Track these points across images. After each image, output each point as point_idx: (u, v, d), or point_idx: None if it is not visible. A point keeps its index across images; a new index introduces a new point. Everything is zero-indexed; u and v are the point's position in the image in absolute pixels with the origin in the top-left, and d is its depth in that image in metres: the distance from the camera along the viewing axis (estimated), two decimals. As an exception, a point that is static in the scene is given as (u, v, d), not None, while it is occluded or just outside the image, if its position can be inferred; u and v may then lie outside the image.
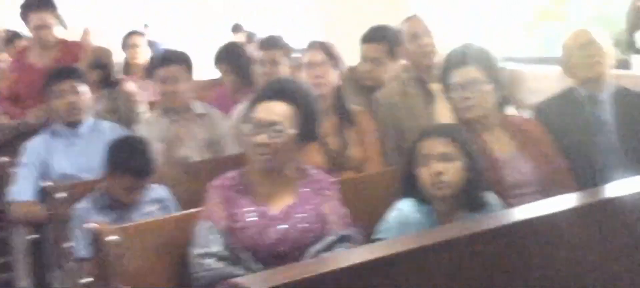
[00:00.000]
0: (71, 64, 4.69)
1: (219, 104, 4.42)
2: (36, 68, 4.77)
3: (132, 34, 6.14)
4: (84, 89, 3.91)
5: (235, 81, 4.72)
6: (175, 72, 3.93)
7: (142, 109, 4.63)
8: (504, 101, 3.23)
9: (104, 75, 4.65)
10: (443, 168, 2.70)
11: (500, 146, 3.10)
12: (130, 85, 4.88)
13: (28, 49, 5.00)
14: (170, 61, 3.99)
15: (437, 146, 2.73)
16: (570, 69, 3.55)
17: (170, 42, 9.68)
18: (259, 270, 2.62)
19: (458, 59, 3.16)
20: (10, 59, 6.21)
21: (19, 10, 4.90)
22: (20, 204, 3.65)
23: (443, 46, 3.88)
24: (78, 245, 3.20)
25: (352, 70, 4.36)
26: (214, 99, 4.59)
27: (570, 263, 2.14)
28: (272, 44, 4.33)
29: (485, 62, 3.13)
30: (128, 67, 5.95)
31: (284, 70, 4.19)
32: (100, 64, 4.48)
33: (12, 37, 7.67)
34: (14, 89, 4.91)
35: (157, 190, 3.38)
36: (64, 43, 5.03)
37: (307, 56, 3.74)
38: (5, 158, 3.99)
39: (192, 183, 3.50)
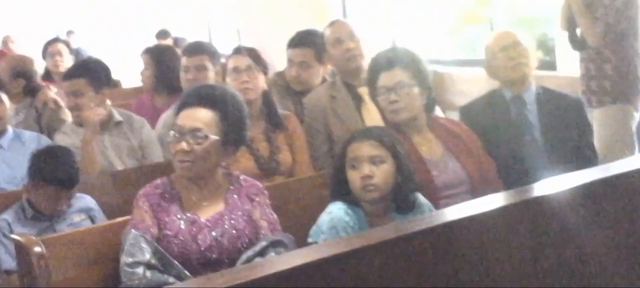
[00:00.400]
0: None
1: (139, 111, 4.36)
2: None
3: (54, 41, 5.99)
4: (4, 98, 3.81)
5: (152, 78, 4.66)
6: (79, 86, 3.85)
7: (67, 116, 4.52)
8: (431, 103, 3.25)
9: (26, 84, 4.55)
10: (371, 171, 2.71)
11: (429, 148, 3.13)
12: (52, 93, 4.76)
13: None
14: (73, 76, 3.91)
15: (365, 149, 2.74)
16: (494, 71, 3.60)
17: (95, 50, 9.54)
18: (189, 278, 2.59)
19: (384, 62, 3.18)
20: None
21: None
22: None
23: (369, 50, 3.90)
24: (3, 257, 3.12)
25: (279, 75, 4.36)
26: (135, 107, 4.51)
27: (501, 261, 2.17)
28: (197, 49, 4.28)
29: (412, 64, 3.15)
30: (49, 76, 5.80)
31: (211, 76, 4.14)
32: (22, 72, 4.36)
33: None
34: None
35: (84, 200, 3.33)
36: None
37: (233, 61, 3.70)
38: None
39: (118, 192, 3.45)
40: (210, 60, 4.17)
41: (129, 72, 4.36)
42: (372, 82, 3.22)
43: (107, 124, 3.86)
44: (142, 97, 4.86)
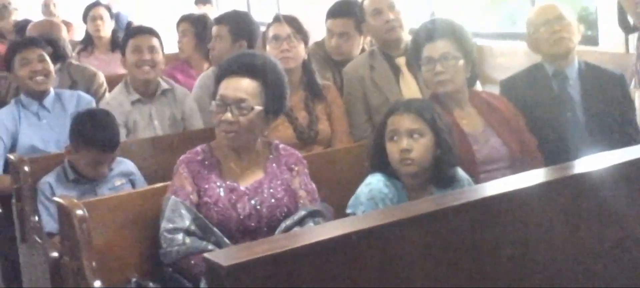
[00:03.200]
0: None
1: (174, 77, 4.39)
2: None
3: (95, 5, 6.02)
4: (48, 58, 3.86)
5: (192, 46, 4.69)
6: (153, 44, 3.90)
7: (102, 84, 4.55)
8: (473, 77, 3.23)
9: (54, 50, 4.56)
10: (410, 145, 2.70)
11: (470, 122, 3.11)
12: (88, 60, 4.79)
13: None
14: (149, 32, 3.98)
15: (405, 122, 2.73)
16: (536, 45, 3.55)
17: (134, 14, 9.57)
18: (228, 246, 2.61)
19: (430, 33, 3.15)
20: None
21: None
22: (-13, 176, 3.61)
23: (407, 21, 3.88)
24: (45, 219, 3.17)
25: (318, 44, 4.35)
26: (169, 73, 4.54)
27: (540, 238, 2.17)
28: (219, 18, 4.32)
29: (458, 36, 3.13)
30: (91, 41, 5.85)
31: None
32: (49, 38, 4.38)
33: None
34: None
35: (124, 164, 3.37)
36: None
37: (273, 30, 3.70)
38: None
39: (158, 158, 3.49)
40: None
41: (166, 37, 4.37)
42: (415, 53, 3.20)
43: (154, 92, 3.89)
44: (179, 63, 4.89)
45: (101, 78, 4.54)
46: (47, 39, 4.30)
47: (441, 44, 3.09)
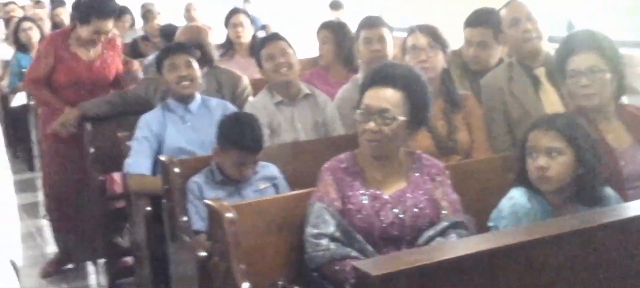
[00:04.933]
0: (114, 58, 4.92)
1: (312, 83, 4.48)
2: (81, 60, 4.82)
3: (236, 12, 6.18)
4: (196, 65, 4.02)
5: (332, 53, 4.78)
6: (283, 47, 4.02)
7: (247, 87, 4.70)
8: (620, 90, 3.14)
9: (201, 55, 4.73)
10: (547, 163, 2.67)
11: (617, 136, 3.04)
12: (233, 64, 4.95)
13: (69, 38, 4.88)
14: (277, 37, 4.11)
15: (543, 140, 2.70)
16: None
17: (268, 18, 9.80)
18: (372, 253, 2.68)
19: (577, 44, 3.08)
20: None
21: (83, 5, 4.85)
22: (136, 177, 3.78)
23: (544, 31, 3.83)
24: (193, 219, 3.32)
25: (456, 54, 4.35)
26: (307, 78, 4.64)
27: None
28: (377, 22, 4.36)
29: (605, 48, 3.05)
30: (231, 45, 6.03)
31: (390, 47, 4.20)
32: (196, 43, 4.54)
33: None
34: (45, 73, 4.86)
35: (268, 168, 3.47)
36: (108, 38, 4.98)
37: (412, 39, 3.74)
38: (123, 132, 4.16)
39: (300, 163, 3.58)
40: (389, 33, 4.25)
41: (300, 43, 4.45)
42: (560, 64, 3.15)
43: (297, 96, 4.01)
44: (317, 70, 4.99)
45: (245, 81, 4.68)
46: (195, 44, 4.49)
47: (587, 57, 3.03)
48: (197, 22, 8.00)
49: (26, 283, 2.30)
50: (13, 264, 2.24)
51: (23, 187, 6.45)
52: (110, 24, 4.81)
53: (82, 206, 4.88)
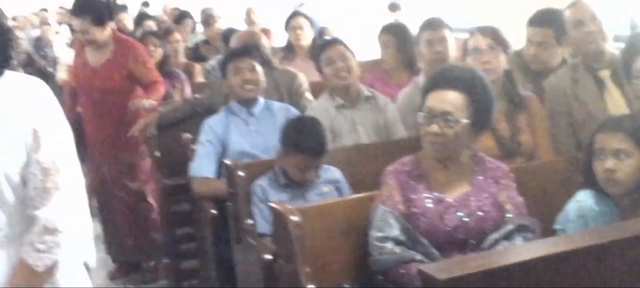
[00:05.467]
0: (126, 60, 4.85)
1: (374, 86, 4.49)
2: (89, 65, 4.86)
3: (295, 15, 6.23)
4: (260, 69, 4.06)
5: (394, 57, 4.80)
6: (343, 51, 4.04)
7: (302, 83, 4.73)
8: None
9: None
10: (615, 165, 2.65)
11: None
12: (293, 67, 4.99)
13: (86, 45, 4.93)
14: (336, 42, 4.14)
15: (611, 142, 2.68)
16: None
17: (326, 21, 9.81)
18: (436, 257, 2.69)
19: None
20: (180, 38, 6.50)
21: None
22: (201, 180, 3.84)
23: (608, 33, 3.79)
24: (258, 222, 3.36)
25: (517, 54, 4.33)
26: (369, 81, 4.65)
27: None
28: (438, 23, 4.36)
29: None
30: (292, 48, 6.08)
31: (451, 48, 4.20)
32: (252, 47, 4.59)
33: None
34: (70, 83, 5.03)
35: (331, 172, 3.49)
36: (120, 43, 4.93)
37: (474, 41, 3.72)
38: (188, 136, 4.23)
39: (362, 166, 3.60)
40: (451, 34, 4.25)
41: (359, 44, 4.45)
42: (626, 64, 3.12)
43: (357, 99, 4.03)
44: (378, 73, 5.00)
45: (301, 77, 4.72)
46: (251, 48, 4.54)
47: None
48: (255, 26, 8.10)
49: (95, 285, 2.36)
50: (86, 266, 2.30)
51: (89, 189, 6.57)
52: (84, 24, 4.71)
53: (142, 210, 4.99)
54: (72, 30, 8.19)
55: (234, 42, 4.92)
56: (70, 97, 4.98)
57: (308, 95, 4.63)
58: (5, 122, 2.03)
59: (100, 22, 4.72)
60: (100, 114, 4.85)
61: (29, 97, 2.07)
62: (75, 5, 4.79)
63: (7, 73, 2.10)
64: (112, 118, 4.83)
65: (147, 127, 4.66)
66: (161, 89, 5.01)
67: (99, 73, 4.81)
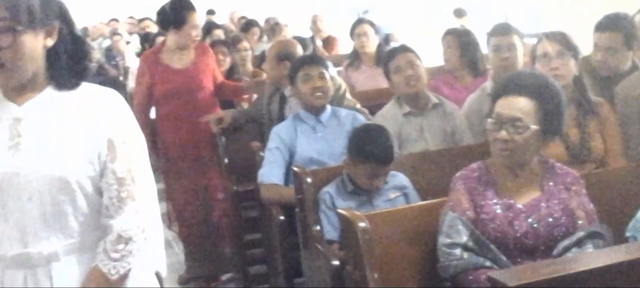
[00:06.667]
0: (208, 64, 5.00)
1: (438, 91, 4.49)
2: (175, 69, 4.93)
3: (360, 23, 6.26)
4: (328, 76, 4.09)
5: (457, 57, 4.79)
6: (412, 58, 4.05)
7: (340, 85, 4.72)
8: None
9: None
10: None
11: None
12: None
13: (160, 52, 5.02)
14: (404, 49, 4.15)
15: None
16: None
17: (392, 27, 9.84)
18: (506, 263, 2.67)
19: None
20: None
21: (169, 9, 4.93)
22: (269, 186, 3.88)
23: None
24: (326, 228, 3.39)
25: (585, 60, 4.28)
26: (433, 87, 4.64)
27: None
28: (506, 29, 4.34)
29: None
30: (357, 56, 6.11)
31: (520, 55, 4.18)
32: (287, 55, 4.63)
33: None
34: (147, 93, 5.01)
35: (398, 178, 3.50)
36: (199, 45, 5.10)
37: (542, 47, 3.69)
38: (257, 143, 4.29)
39: (429, 172, 3.60)
40: (519, 40, 4.22)
41: (424, 51, 4.46)
42: None
43: (425, 106, 4.04)
44: (444, 76, 5.01)
45: (339, 80, 4.75)
46: (285, 56, 4.59)
47: None
48: (322, 33, 8.15)
49: (165, 291, 2.40)
50: (158, 275, 2.35)
51: (160, 195, 6.68)
52: (198, 17, 4.88)
53: (210, 217, 5.06)
54: (147, 39, 8.30)
55: (269, 52, 4.95)
56: (143, 107, 5.06)
57: (348, 96, 4.64)
58: (82, 132, 2.08)
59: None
60: (185, 116, 4.93)
61: (105, 108, 2.12)
62: None
63: (84, 84, 2.16)
64: (197, 119, 4.92)
65: (223, 119, 4.74)
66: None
67: (190, 74, 4.93)
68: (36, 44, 2.04)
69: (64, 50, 2.10)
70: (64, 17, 2.11)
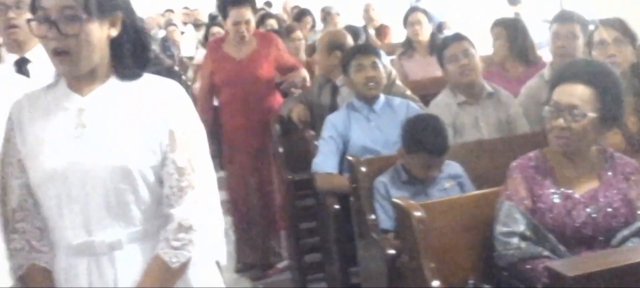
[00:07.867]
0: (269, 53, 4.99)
1: (491, 79, 4.45)
2: (234, 59, 4.96)
3: (414, 11, 6.23)
4: (381, 66, 4.08)
5: (506, 48, 4.74)
6: (466, 47, 4.02)
7: (391, 72, 4.70)
8: None
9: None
10: None
11: None
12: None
13: (224, 41, 5.07)
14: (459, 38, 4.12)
15: None
16: None
17: (445, 16, 9.75)
18: (564, 253, 2.65)
19: None
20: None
21: (217, 3, 4.95)
22: (324, 175, 3.90)
23: None
24: (381, 217, 3.39)
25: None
26: (485, 76, 4.60)
27: None
28: (567, 16, 4.28)
29: None
30: (410, 44, 6.08)
31: (580, 44, 4.12)
32: (337, 46, 4.62)
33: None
34: (208, 80, 5.08)
35: (452, 167, 3.48)
36: (259, 34, 5.13)
37: (598, 34, 3.65)
38: (311, 132, 4.31)
39: (484, 161, 3.58)
40: (582, 29, 4.16)
41: (478, 39, 4.41)
42: None
43: (480, 95, 4.01)
44: (495, 67, 4.95)
45: (389, 68, 4.72)
46: (336, 46, 4.59)
47: None
48: (375, 22, 8.12)
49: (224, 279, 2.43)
50: (217, 264, 2.38)
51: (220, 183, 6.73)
52: (247, 13, 4.87)
53: (266, 205, 5.10)
54: (208, 28, 8.35)
55: (319, 42, 4.94)
56: (205, 94, 5.16)
57: (398, 82, 4.63)
58: (143, 123, 2.10)
59: (255, 12, 4.97)
60: (247, 106, 4.99)
61: (166, 98, 2.14)
62: None
63: (145, 75, 2.19)
64: (259, 108, 4.99)
65: (298, 113, 4.71)
66: (304, 72, 5.24)
67: (246, 65, 4.97)
68: (101, 34, 2.07)
69: (127, 41, 2.13)
70: (127, 8, 2.14)
